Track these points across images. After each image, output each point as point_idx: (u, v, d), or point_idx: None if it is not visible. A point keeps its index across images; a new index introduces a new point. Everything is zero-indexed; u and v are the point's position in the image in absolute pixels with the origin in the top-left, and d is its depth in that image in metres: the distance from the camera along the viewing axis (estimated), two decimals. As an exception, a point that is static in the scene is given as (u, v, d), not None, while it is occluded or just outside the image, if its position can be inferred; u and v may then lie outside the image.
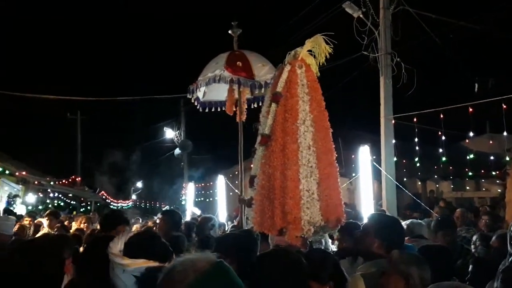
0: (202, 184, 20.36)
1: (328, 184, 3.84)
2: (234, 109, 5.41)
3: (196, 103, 5.59)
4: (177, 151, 24.29)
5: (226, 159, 24.45)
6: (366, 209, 7.00)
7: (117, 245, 3.04)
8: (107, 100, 16.66)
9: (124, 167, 29.22)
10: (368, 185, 7.11)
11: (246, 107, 5.39)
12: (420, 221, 5.43)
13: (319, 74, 4.03)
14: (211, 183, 20.28)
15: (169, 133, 24.68)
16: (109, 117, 28.39)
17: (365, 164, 7.22)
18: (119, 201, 29.49)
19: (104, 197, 24.50)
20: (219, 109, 5.73)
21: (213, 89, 5.50)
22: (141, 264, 2.50)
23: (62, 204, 20.50)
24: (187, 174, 24.91)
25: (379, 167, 9.02)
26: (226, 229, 8.00)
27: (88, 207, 22.39)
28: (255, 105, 5.44)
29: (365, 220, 6.12)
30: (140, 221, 13.13)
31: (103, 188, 24.42)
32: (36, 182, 16.52)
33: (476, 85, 10.34)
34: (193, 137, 24.47)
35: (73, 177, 21.54)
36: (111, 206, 26.55)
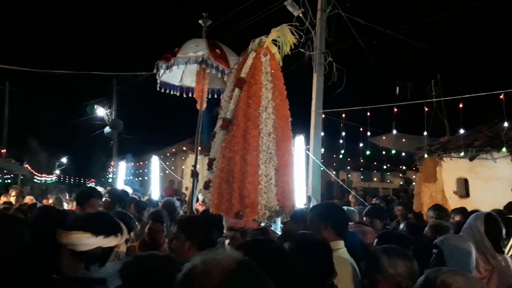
0: (133, 164, 19.54)
1: (285, 171, 3.72)
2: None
3: (158, 81, 5.18)
4: (107, 129, 23.14)
5: (157, 140, 23.75)
6: (299, 197, 6.98)
7: None
8: (39, 72, 15.17)
9: (51, 142, 27.40)
10: (302, 174, 7.10)
11: (210, 96, 5.14)
12: (353, 208, 5.48)
13: (281, 63, 3.88)
14: (141, 163, 19.56)
15: (100, 111, 23.37)
16: (41, 90, 26.19)
17: (300, 154, 7.19)
18: (43, 175, 27.57)
19: (29, 170, 22.67)
20: (171, 92, 5.39)
21: (172, 71, 5.13)
22: (76, 235, 2.06)
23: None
24: (116, 152, 23.80)
25: (313, 157, 9.09)
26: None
27: (9, 181, 20.65)
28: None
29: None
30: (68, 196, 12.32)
31: (30, 161, 22.62)
32: (-43, 152, 14.87)
33: (398, 88, 10.77)
34: (124, 117, 23.42)
35: (-3, 148, 19.74)
36: (35, 180, 24.75)
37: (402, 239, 3.11)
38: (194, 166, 5.03)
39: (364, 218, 5.14)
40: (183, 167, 18.08)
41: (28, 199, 8.50)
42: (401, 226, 5.08)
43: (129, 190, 12.05)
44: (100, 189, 11.74)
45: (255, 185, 3.53)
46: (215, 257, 1.21)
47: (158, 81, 5.21)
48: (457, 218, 6.65)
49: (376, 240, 3.25)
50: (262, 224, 4.05)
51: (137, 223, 5.30)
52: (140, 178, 18.64)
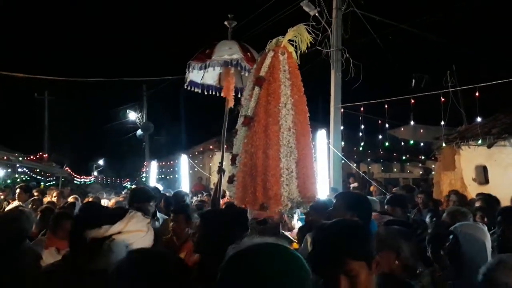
0: (163, 163, 19.80)
1: (305, 164, 3.70)
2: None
3: (187, 80, 5.14)
4: (139, 132, 23.53)
5: (186, 140, 24.05)
6: (322, 189, 6.91)
7: None
8: (74, 81, 15.59)
9: (88, 145, 28.03)
10: (325, 166, 7.06)
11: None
12: (374, 197, 5.41)
13: (299, 61, 3.85)
14: (171, 162, 19.78)
15: (132, 115, 23.80)
16: (76, 97, 26.89)
17: (322, 147, 7.16)
18: (82, 176, 28.19)
19: (69, 172, 23.27)
20: (195, 90, 5.39)
21: (207, 72, 5.12)
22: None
23: (28, 178, 19.33)
24: (148, 153, 24.18)
25: (334, 149, 9.01)
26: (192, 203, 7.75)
27: (53, 182, 21.25)
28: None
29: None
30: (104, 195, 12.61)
31: (70, 164, 23.22)
32: (4, 158, 15.35)
33: (414, 80, 10.55)
34: (154, 120, 23.77)
35: (40, 153, 20.32)
36: (75, 181, 25.37)
37: (404, 225, 3.06)
38: (221, 163, 5.02)
39: (386, 207, 5.07)
40: (210, 164, 18.21)
41: (72, 198, 8.69)
42: (427, 217, 4.92)
43: (160, 187, 12.23)
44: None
45: (277, 177, 3.53)
46: (253, 241, 1.19)
47: (188, 80, 5.17)
48: (478, 204, 6.47)
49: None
50: (285, 215, 4.05)
51: (166, 216, 5.40)
52: (171, 176, 18.89)
